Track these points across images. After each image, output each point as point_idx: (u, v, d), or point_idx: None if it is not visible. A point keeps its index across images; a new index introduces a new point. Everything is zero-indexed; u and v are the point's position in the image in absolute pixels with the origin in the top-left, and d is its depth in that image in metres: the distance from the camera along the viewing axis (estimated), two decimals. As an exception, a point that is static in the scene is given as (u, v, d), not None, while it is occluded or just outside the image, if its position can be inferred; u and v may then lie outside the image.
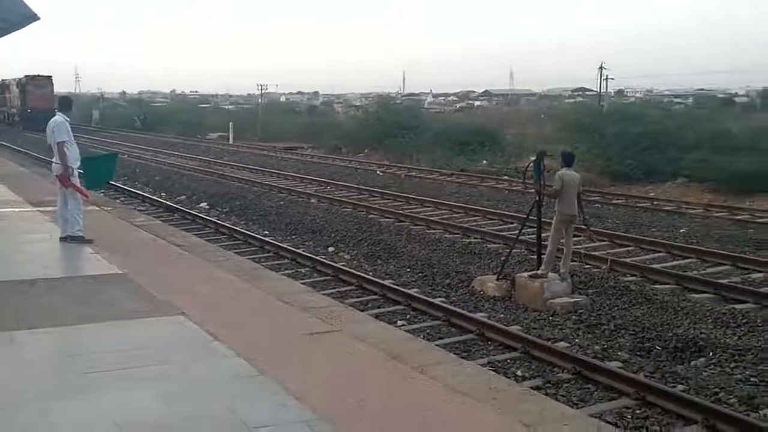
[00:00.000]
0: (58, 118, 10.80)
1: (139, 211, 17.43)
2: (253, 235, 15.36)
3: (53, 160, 11.06)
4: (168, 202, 20.09)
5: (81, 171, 11.20)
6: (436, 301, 10.47)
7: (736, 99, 61.96)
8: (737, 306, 10.14)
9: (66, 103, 11.77)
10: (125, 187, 22.20)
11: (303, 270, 12.51)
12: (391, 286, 11.25)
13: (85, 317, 7.28)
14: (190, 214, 18.15)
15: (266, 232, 16.23)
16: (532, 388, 6.85)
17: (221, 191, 22.15)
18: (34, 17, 13.92)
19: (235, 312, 7.70)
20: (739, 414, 6.81)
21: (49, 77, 59.17)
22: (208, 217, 17.65)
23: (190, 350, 6.44)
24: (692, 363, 8.37)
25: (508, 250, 12.08)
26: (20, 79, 60.32)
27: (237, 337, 6.65)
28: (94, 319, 7.25)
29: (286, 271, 12.01)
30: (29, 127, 49.62)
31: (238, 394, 5.46)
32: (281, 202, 19.94)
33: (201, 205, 20.27)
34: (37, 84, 57.67)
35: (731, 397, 7.32)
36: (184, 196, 21.89)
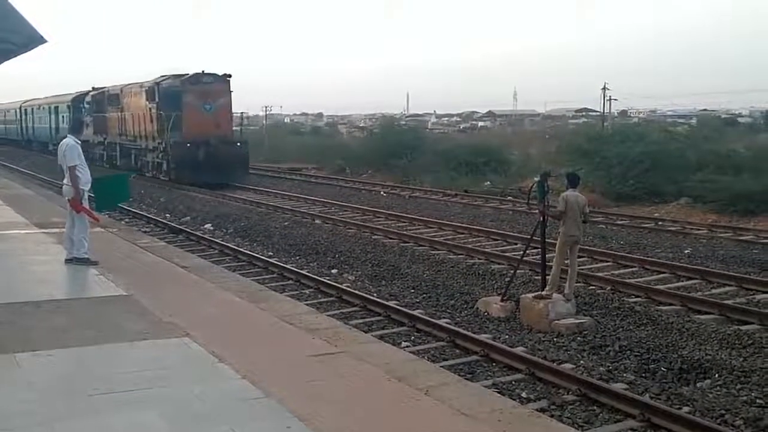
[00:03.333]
0: (69, 141, 10.83)
1: (144, 232, 17.47)
2: (258, 256, 15.38)
3: (64, 182, 11.10)
4: (172, 224, 20.15)
5: (91, 194, 11.25)
6: (441, 322, 10.46)
7: (740, 119, 62.03)
8: (742, 327, 10.11)
9: (77, 125, 11.80)
10: (130, 209, 22.26)
11: (307, 291, 12.52)
12: (396, 307, 11.24)
13: (90, 339, 7.30)
14: (194, 235, 18.21)
15: (270, 253, 16.26)
16: (537, 410, 6.82)
17: (225, 212, 22.20)
18: (41, 40, 14.03)
19: (240, 333, 7.71)
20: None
21: (226, 78, 30.99)
22: (212, 239, 17.68)
23: (195, 372, 6.45)
24: (698, 384, 8.34)
25: (512, 271, 12.08)
26: (159, 84, 31.21)
27: (241, 359, 6.66)
28: (99, 340, 7.27)
29: (291, 292, 12.02)
30: (197, 181, 28.69)
31: (243, 415, 5.46)
32: (285, 223, 19.96)
33: (205, 226, 20.31)
34: (204, 90, 30.14)
35: (737, 419, 7.28)
36: (188, 217, 21.95)
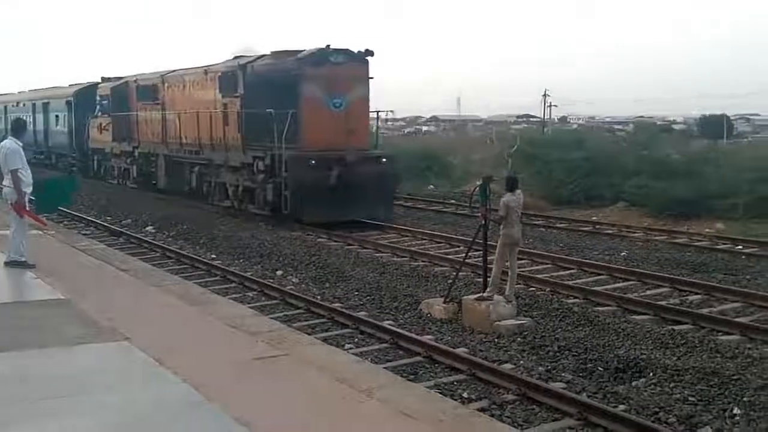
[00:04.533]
0: (10, 143, 10.57)
1: (83, 235, 17.14)
2: (200, 259, 15.24)
3: (3, 184, 10.85)
4: (113, 226, 19.81)
5: (32, 198, 11.01)
6: (384, 324, 10.53)
7: (675, 126, 63.64)
8: (676, 327, 10.41)
9: (19, 126, 11.54)
10: (68, 211, 21.77)
11: (251, 294, 12.46)
12: (340, 309, 11.27)
13: (28, 343, 7.16)
14: (135, 238, 17.95)
15: (213, 256, 16.11)
16: (478, 410, 6.95)
17: (168, 214, 21.87)
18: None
19: (182, 337, 7.65)
20: (678, 432, 6.98)
21: (364, 57, 19.90)
22: (154, 242, 17.45)
23: (136, 376, 6.38)
24: (633, 383, 8.55)
25: (455, 273, 12.22)
26: (247, 66, 21.02)
27: (183, 363, 6.60)
28: (37, 345, 7.13)
29: (234, 296, 11.96)
30: (326, 218, 18.69)
31: (184, 420, 5.43)
32: (229, 226, 19.80)
33: (147, 228, 20.01)
34: (333, 76, 19.40)
35: (670, 416, 7.50)
36: (129, 220, 21.58)
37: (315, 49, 19.53)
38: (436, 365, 8.99)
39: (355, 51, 19.85)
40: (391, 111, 19.09)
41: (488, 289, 10.90)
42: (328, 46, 19.52)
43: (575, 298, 12.00)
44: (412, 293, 12.50)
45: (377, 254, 15.80)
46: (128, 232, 18.66)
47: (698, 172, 23.34)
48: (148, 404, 5.74)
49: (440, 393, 7.45)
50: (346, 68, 19.57)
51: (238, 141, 20.80)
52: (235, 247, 16.96)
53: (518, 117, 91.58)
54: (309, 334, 9.17)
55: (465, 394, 8.05)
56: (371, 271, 14.22)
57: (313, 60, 19.35)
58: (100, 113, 30.42)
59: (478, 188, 11.42)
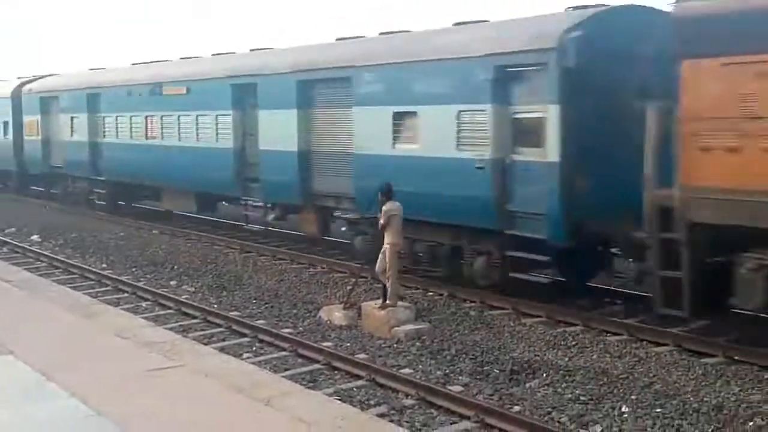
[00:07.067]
0: None
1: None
2: (90, 268, 14.71)
3: None
4: (-5, 236, 18.91)
5: None
6: (283, 332, 10.44)
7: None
8: (568, 329, 10.74)
9: None
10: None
11: (144, 304, 12.12)
12: (237, 318, 11.10)
13: None
14: (20, 247, 17.20)
15: (104, 266, 15.58)
16: (377, 415, 6.96)
17: (55, 222, 21.04)
18: None
19: (70, 350, 7.37)
20: None
21: None
22: (40, 251, 16.75)
23: (21, 392, 6.12)
24: (527, 385, 8.75)
25: (354, 280, 12.24)
26: None
27: (72, 377, 6.37)
28: None
29: (126, 306, 11.61)
30: None
31: (74, 436, 5.23)
32: (121, 234, 19.21)
33: (32, 237, 19.18)
34: None
35: (563, 415, 7.73)
36: (13, 228, 20.61)
37: None
38: (336, 372, 8.96)
39: None
40: None
41: (389, 297, 10.93)
42: None
43: (472, 302, 12.19)
44: (312, 300, 12.45)
45: (275, 261, 15.64)
46: (12, 241, 17.74)
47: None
48: (36, 420, 5.51)
49: (340, 400, 7.43)
50: None
51: None
52: (127, 256, 16.46)
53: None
54: (206, 344, 9.00)
55: (365, 400, 8.05)
56: (270, 278, 14.07)
57: None
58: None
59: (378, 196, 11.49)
